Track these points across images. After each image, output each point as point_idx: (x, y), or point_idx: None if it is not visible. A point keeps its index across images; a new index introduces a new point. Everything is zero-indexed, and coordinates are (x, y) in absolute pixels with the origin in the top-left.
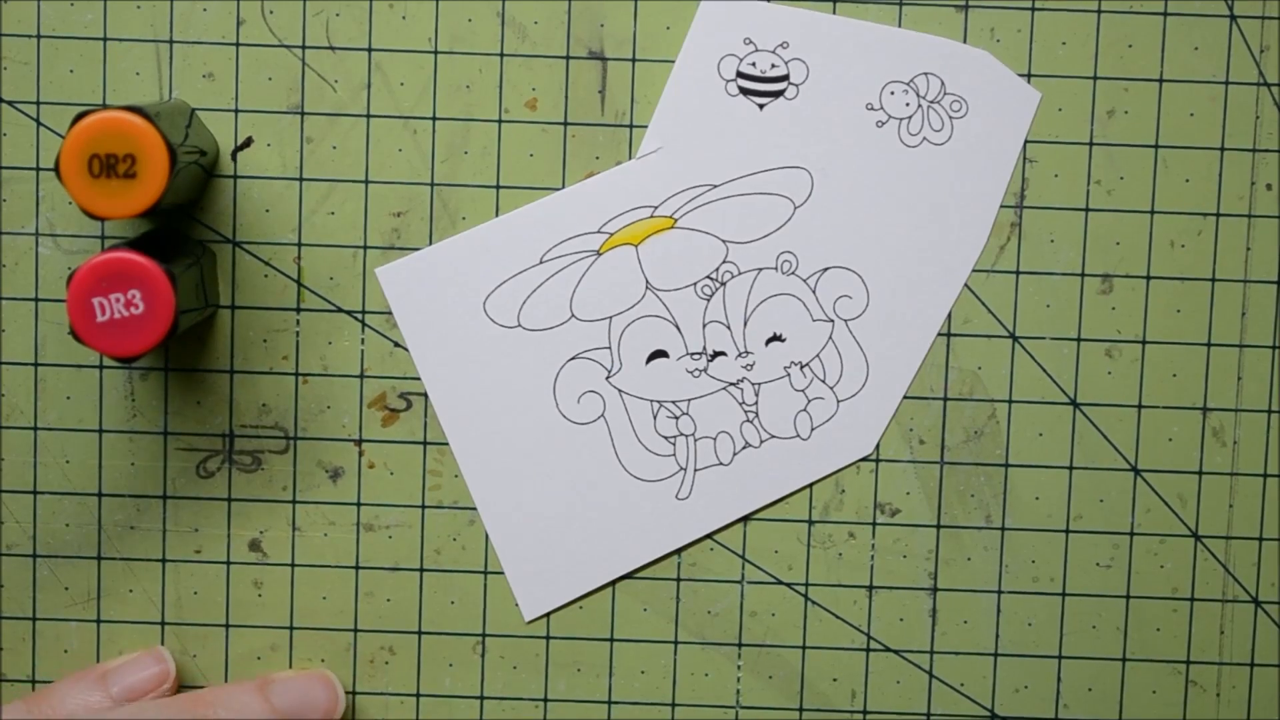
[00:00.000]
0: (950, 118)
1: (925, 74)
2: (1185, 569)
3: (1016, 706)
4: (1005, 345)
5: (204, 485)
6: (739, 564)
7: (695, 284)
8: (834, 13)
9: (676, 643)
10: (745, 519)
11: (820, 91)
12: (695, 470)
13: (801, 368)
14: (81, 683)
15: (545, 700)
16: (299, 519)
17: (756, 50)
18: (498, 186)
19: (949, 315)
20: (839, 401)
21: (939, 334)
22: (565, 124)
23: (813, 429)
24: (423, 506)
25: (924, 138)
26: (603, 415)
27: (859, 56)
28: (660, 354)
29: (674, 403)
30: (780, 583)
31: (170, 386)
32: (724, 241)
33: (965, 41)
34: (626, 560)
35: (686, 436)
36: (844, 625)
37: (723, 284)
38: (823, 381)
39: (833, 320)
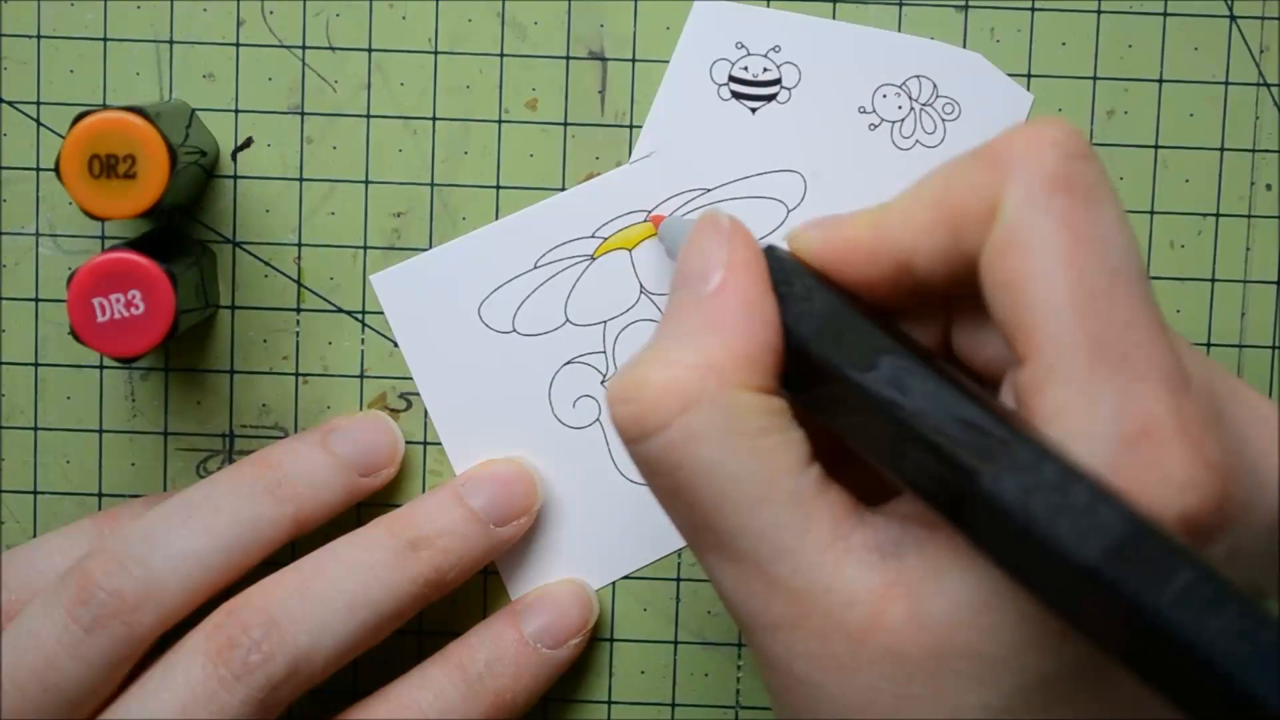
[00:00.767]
0: (943, 120)
1: (917, 77)
2: None
3: None
4: None
5: None
6: None
7: None
8: (833, 13)
9: (676, 643)
10: None
11: (812, 95)
12: None
13: None
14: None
15: (545, 700)
16: None
17: (748, 54)
18: (498, 187)
19: None
20: None
21: None
22: (565, 124)
23: None
24: None
25: (917, 140)
26: (598, 419)
27: (851, 60)
28: None
29: None
30: None
31: (170, 386)
32: None
33: (965, 42)
34: (625, 562)
35: None
36: None
37: None
38: None
39: None
